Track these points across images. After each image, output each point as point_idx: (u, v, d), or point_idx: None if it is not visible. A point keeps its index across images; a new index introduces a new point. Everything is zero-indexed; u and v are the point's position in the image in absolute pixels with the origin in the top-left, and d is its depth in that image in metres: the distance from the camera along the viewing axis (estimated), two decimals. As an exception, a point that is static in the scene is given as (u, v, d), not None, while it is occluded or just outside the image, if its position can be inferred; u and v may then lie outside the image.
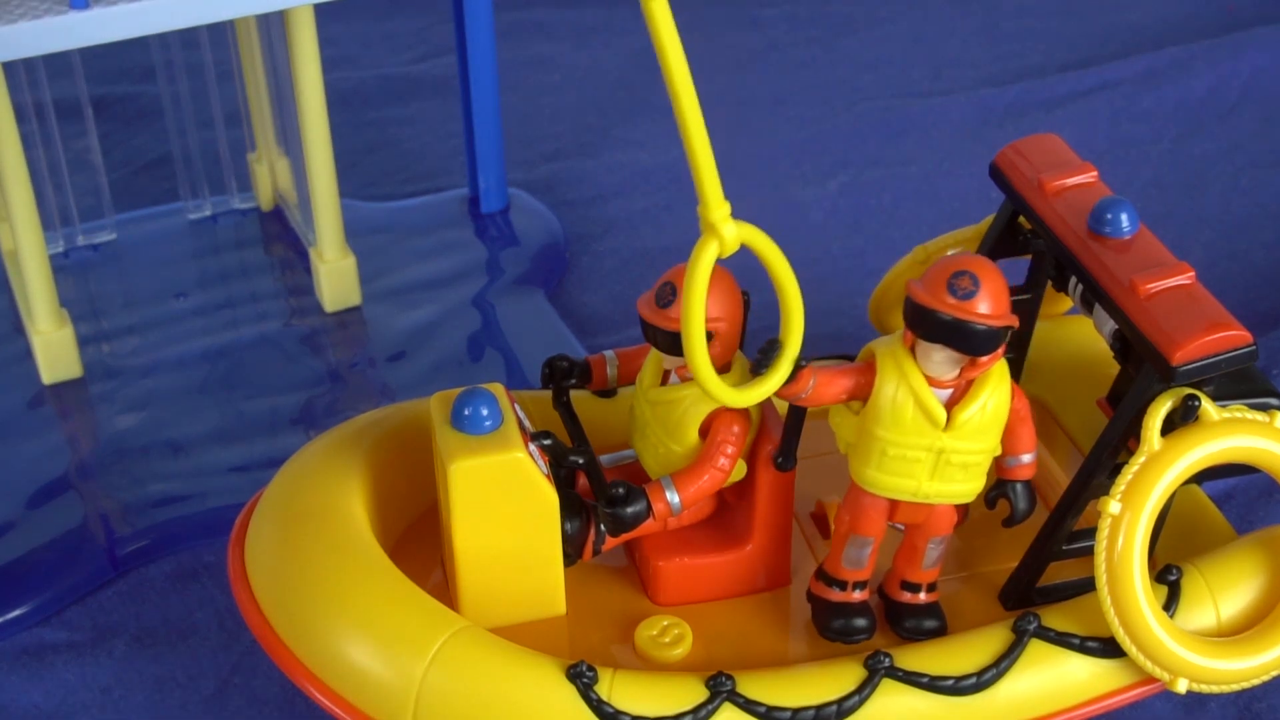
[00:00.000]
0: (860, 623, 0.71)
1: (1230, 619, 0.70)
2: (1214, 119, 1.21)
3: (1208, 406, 0.67)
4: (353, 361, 0.97)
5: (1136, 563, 0.67)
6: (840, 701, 0.67)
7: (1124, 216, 0.72)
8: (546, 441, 0.69)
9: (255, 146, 1.07)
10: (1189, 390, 0.67)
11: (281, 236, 1.07)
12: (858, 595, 0.71)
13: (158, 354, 0.97)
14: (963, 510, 0.71)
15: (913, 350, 0.67)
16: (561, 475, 0.71)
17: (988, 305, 0.65)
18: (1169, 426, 0.68)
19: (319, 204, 0.97)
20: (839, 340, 0.97)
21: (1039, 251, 0.78)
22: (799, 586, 0.74)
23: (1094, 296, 0.71)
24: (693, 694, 0.66)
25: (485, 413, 0.68)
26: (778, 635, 0.72)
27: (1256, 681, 0.69)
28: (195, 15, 0.83)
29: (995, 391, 0.67)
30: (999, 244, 0.78)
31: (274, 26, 0.98)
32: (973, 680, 0.68)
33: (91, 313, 1.00)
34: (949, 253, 0.81)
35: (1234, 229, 1.10)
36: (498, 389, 0.70)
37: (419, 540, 0.75)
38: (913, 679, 0.68)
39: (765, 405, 0.71)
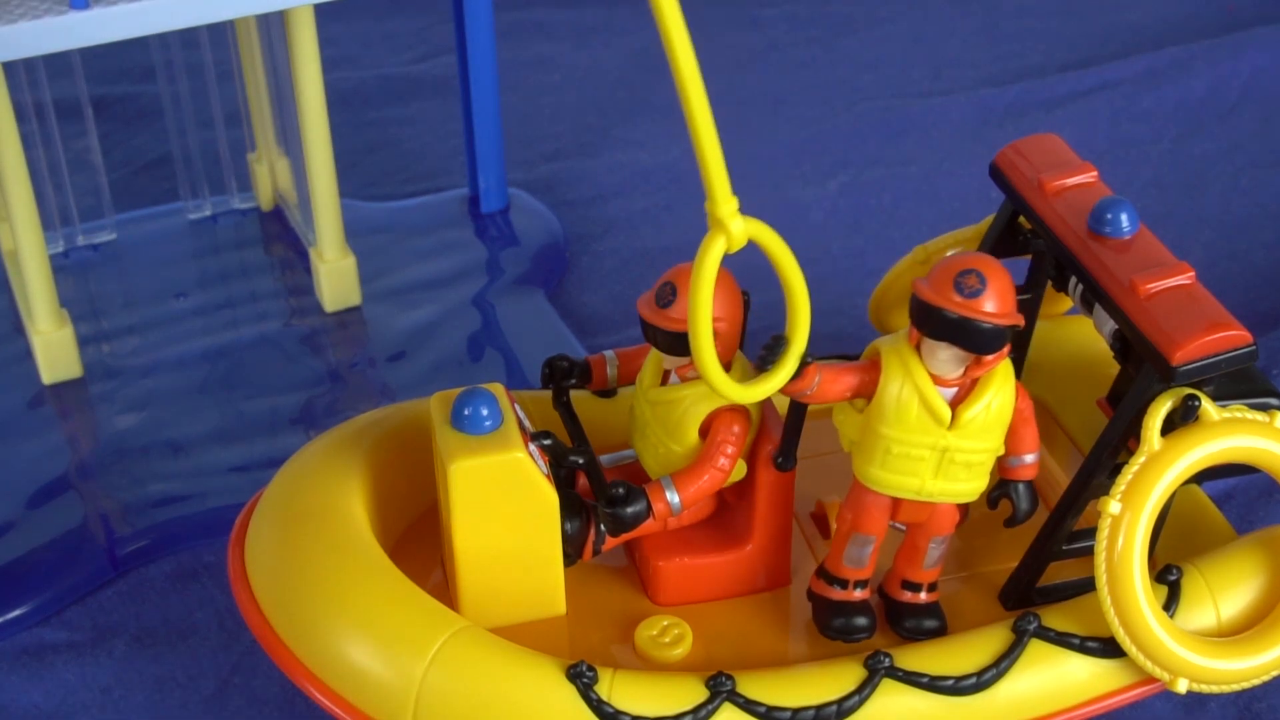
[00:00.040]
0: (861, 621, 0.71)
1: (1230, 619, 0.70)
2: (1214, 119, 1.21)
3: (1208, 406, 0.67)
4: (353, 361, 0.97)
5: (1136, 563, 0.67)
6: (840, 701, 0.67)
7: (1124, 216, 0.72)
8: (546, 441, 0.69)
9: (255, 146, 1.07)
10: (1189, 390, 0.67)
11: (281, 236, 1.07)
12: (858, 594, 0.71)
13: (158, 354, 0.97)
14: (963, 510, 0.71)
15: (918, 348, 0.67)
16: (561, 475, 0.71)
17: (994, 304, 0.65)
18: (1169, 426, 0.68)
19: (319, 204, 0.97)
20: (839, 340, 0.97)
21: (1039, 251, 0.78)
22: (799, 586, 0.74)
23: (1094, 296, 0.71)
24: (693, 694, 0.66)
25: (485, 413, 0.68)
26: (778, 635, 0.72)
27: (1256, 681, 0.69)
28: (195, 15, 0.83)
29: (1000, 391, 0.67)
30: (999, 244, 0.78)
31: (274, 26, 0.98)
32: (973, 680, 0.68)
33: (91, 313, 1.00)
34: (950, 252, 0.81)
35: (1234, 229, 1.10)
36: (498, 389, 0.70)
37: (419, 540, 0.75)
38: (913, 679, 0.68)
39: (765, 405, 0.71)
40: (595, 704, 0.65)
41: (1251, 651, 0.69)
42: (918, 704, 0.67)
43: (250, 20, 1.00)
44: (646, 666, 0.70)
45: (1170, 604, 0.70)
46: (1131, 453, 0.68)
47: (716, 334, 0.68)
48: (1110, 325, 0.71)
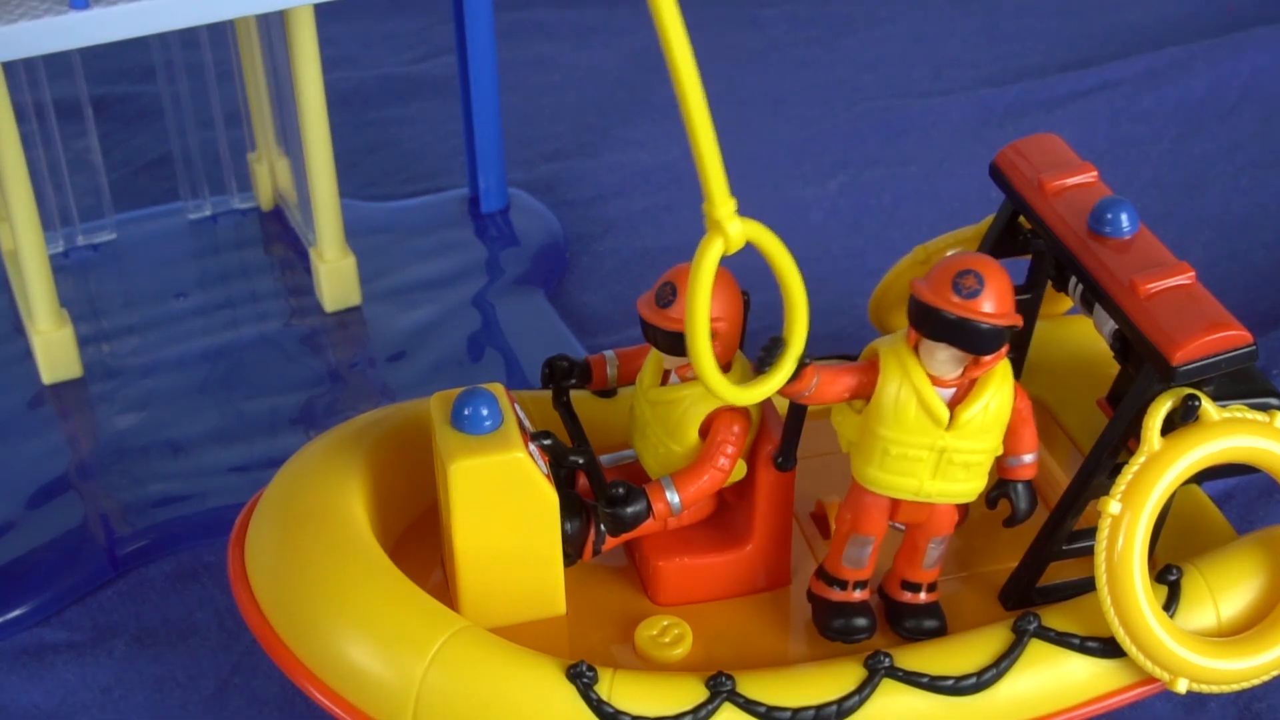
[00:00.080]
0: (860, 622, 0.71)
1: (1230, 619, 0.70)
2: (1214, 119, 1.21)
3: (1208, 406, 0.67)
4: (353, 361, 0.97)
5: (1136, 563, 0.67)
6: (840, 701, 0.67)
7: (1124, 216, 0.72)
8: (546, 441, 0.69)
9: (255, 146, 1.07)
10: (1189, 390, 0.67)
11: (281, 236, 1.07)
12: (858, 595, 0.71)
13: (158, 354, 0.97)
14: (963, 510, 0.71)
15: (916, 349, 0.67)
16: (561, 475, 0.71)
17: (992, 304, 0.65)
18: (1169, 426, 0.68)
19: (319, 204, 0.97)
20: (839, 340, 0.97)
21: (1039, 251, 0.78)
22: (799, 586, 0.74)
23: (1094, 296, 0.71)
24: (693, 694, 0.66)
25: (485, 413, 0.68)
26: (778, 635, 0.72)
27: (1256, 681, 0.69)
28: (195, 15, 0.83)
29: (998, 391, 0.67)
30: (999, 244, 0.78)
31: (274, 26, 0.98)
32: (973, 680, 0.68)
33: (91, 313, 1.00)
34: (950, 252, 0.81)
35: (1234, 229, 1.10)
36: (498, 389, 0.70)
37: (419, 540, 0.75)
38: (913, 679, 0.68)
39: (765, 405, 0.71)
40: (595, 704, 0.65)
41: (1251, 651, 0.69)
42: (918, 704, 0.67)
43: (250, 20, 1.00)
44: (646, 666, 0.70)
45: (1170, 604, 0.70)
46: (1131, 453, 0.68)
47: (716, 334, 0.68)
48: (1110, 325, 0.71)
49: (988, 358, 0.66)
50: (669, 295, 0.68)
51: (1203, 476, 0.70)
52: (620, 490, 0.69)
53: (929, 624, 0.71)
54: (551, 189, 1.14)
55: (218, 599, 0.83)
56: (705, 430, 0.70)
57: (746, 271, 0.68)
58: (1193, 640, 0.68)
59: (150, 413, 0.92)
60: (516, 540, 0.69)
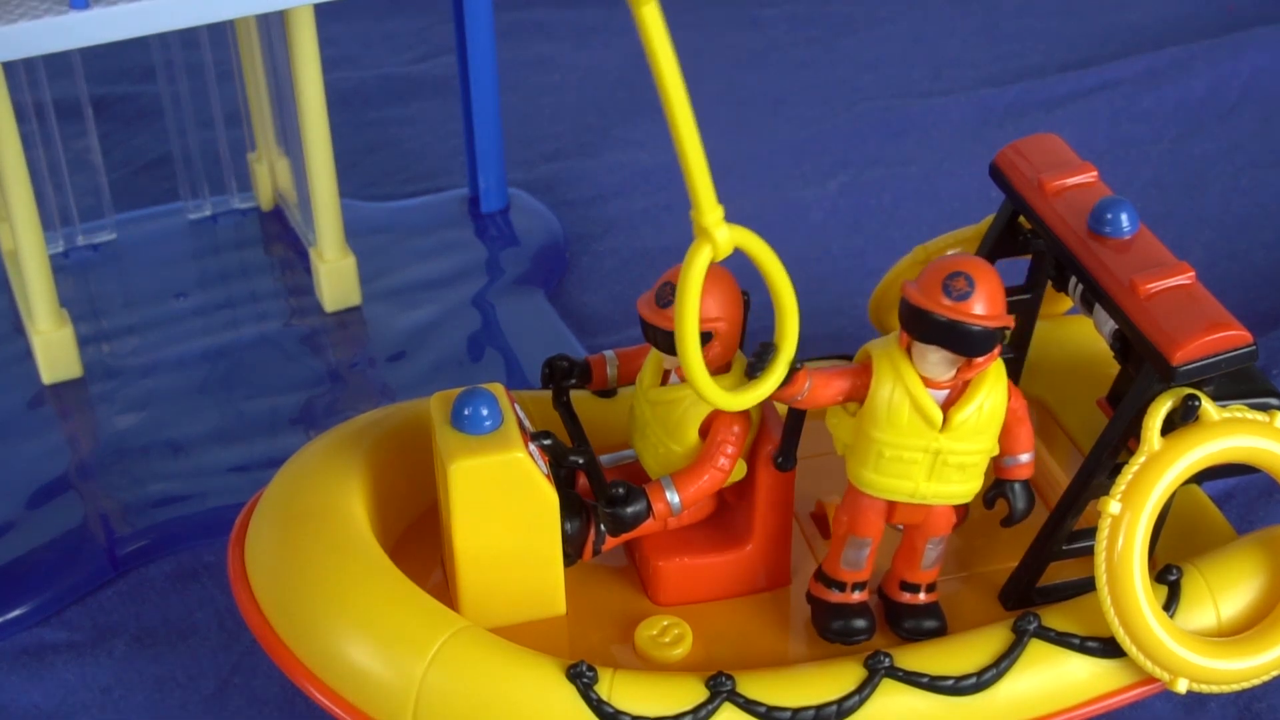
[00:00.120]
0: (860, 624, 0.71)
1: (1230, 619, 0.70)
2: (1214, 119, 1.21)
3: (1208, 406, 0.67)
4: (353, 361, 0.97)
5: (1136, 563, 0.67)
6: (840, 701, 0.67)
7: (1124, 216, 0.72)
8: (546, 441, 0.69)
9: (255, 146, 1.07)
10: (1189, 390, 0.67)
11: (281, 236, 1.07)
12: (857, 596, 0.71)
13: (158, 354, 0.97)
14: (962, 510, 0.71)
15: (909, 351, 0.67)
16: (561, 475, 0.71)
17: (983, 306, 0.65)
18: (1169, 426, 0.68)
19: (319, 204, 0.97)
20: (839, 340, 0.97)
21: (1039, 251, 0.78)
22: (799, 586, 0.74)
23: (1094, 296, 0.71)
24: (693, 694, 0.66)
25: (485, 413, 0.68)
26: (778, 635, 0.72)
27: (1256, 681, 0.69)
28: (195, 15, 0.83)
29: (992, 392, 0.67)
30: (999, 244, 0.78)
31: (274, 26, 0.98)
32: (973, 680, 0.68)
33: (91, 313, 1.00)
34: (950, 252, 0.81)
35: (1234, 229, 1.10)
36: (498, 389, 0.70)
37: (419, 540, 0.75)
38: (913, 679, 0.68)
39: (765, 405, 0.71)
40: (595, 704, 0.65)
41: (1251, 651, 0.69)
42: (918, 704, 0.67)
43: (250, 20, 1.00)
44: (646, 666, 0.70)
45: (1170, 604, 0.70)
46: (1131, 453, 0.68)
47: (716, 334, 0.68)
48: (1110, 325, 0.71)
49: (980, 359, 0.66)
50: (669, 295, 0.68)
51: (1203, 476, 0.70)
52: (620, 490, 0.69)
53: (928, 624, 0.71)
54: (551, 189, 1.14)
55: (218, 599, 0.83)
56: (705, 430, 0.70)
57: (747, 271, 0.68)
58: (1193, 640, 0.68)
59: (150, 413, 0.92)
60: (516, 540, 0.69)
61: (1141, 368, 0.68)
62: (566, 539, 0.70)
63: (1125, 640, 0.68)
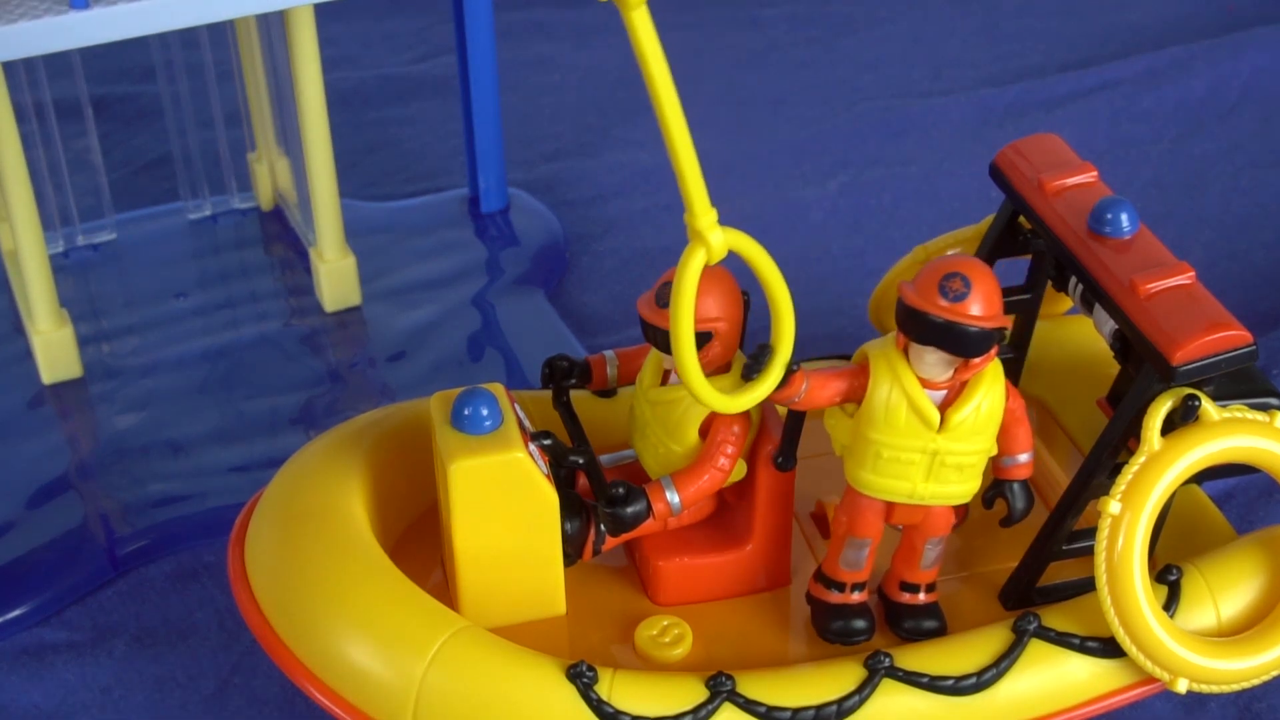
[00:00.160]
0: (859, 624, 0.71)
1: (1230, 619, 0.70)
2: (1214, 119, 1.21)
3: (1208, 406, 0.67)
4: (353, 361, 0.97)
5: (1136, 563, 0.67)
6: (840, 701, 0.67)
7: (1124, 216, 0.72)
8: (546, 441, 0.69)
9: (255, 146, 1.07)
10: (1189, 390, 0.67)
11: (281, 236, 1.07)
12: (856, 597, 0.71)
13: (158, 354, 0.97)
14: (962, 510, 0.71)
15: (905, 352, 0.67)
16: (561, 475, 0.71)
17: (979, 307, 0.65)
18: (1169, 426, 0.68)
19: (319, 204, 0.97)
20: (839, 340, 0.97)
21: (1039, 251, 0.78)
22: (799, 586, 0.74)
23: (1094, 296, 0.71)
24: (693, 694, 0.66)
25: (485, 413, 0.68)
26: (778, 635, 0.72)
27: (1256, 681, 0.69)
28: (195, 15, 0.83)
29: (989, 392, 0.67)
30: (999, 244, 0.78)
31: (274, 26, 0.98)
32: (973, 680, 0.68)
33: (91, 313, 1.00)
34: (950, 252, 0.81)
35: (1234, 229, 1.10)
36: (498, 389, 0.70)
37: (419, 540, 0.75)
38: (913, 679, 0.68)
39: (765, 405, 0.71)
40: (595, 704, 0.65)
41: (1251, 651, 0.69)
42: (918, 704, 0.67)
43: (250, 20, 1.00)
44: (646, 666, 0.70)
45: (1170, 604, 0.70)
46: (1131, 453, 0.68)
47: (716, 334, 0.68)
48: (1110, 325, 0.71)
49: (977, 360, 0.66)
50: (668, 295, 0.68)
51: (1203, 476, 0.70)
52: (620, 490, 0.69)
53: (928, 624, 0.71)
54: (551, 189, 1.14)
55: (218, 599, 0.83)
56: (705, 430, 0.70)
57: (748, 271, 0.68)
58: (1193, 640, 0.68)
59: (150, 413, 0.92)
60: (516, 540, 0.69)
61: (1141, 368, 0.68)
62: (566, 539, 0.70)
63: (1125, 640, 0.68)
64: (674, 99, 0.57)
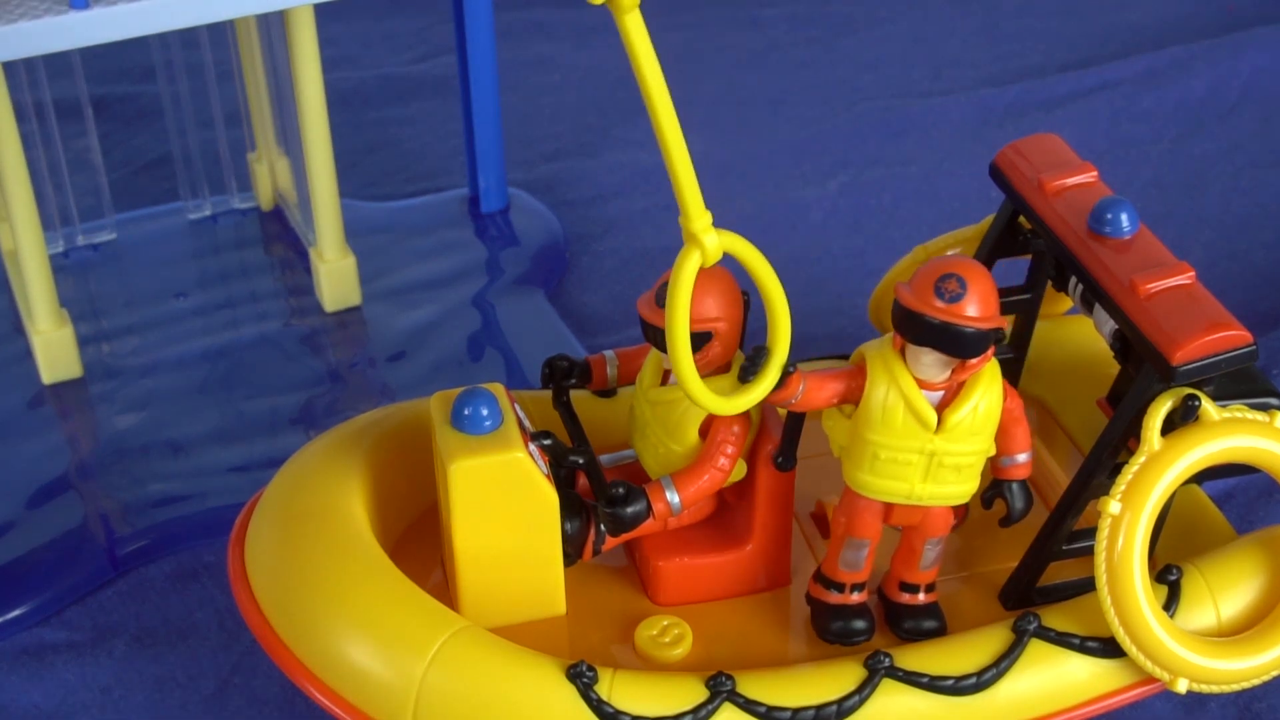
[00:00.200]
0: (859, 625, 0.71)
1: (1230, 619, 0.70)
2: (1214, 119, 1.21)
3: (1208, 406, 0.67)
4: (353, 361, 0.97)
5: (1136, 563, 0.67)
6: (840, 701, 0.67)
7: (1124, 216, 0.72)
8: (546, 441, 0.69)
9: (255, 146, 1.07)
10: (1189, 390, 0.67)
11: (281, 236, 1.07)
12: (856, 597, 0.71)
13: (158, 354, 0.97)
14: (962, 511, 0.71)
15: (902, 353, 0.67)
16: (561, 475, 0.71)
17: (976, 308, 0.65)
18: (1169, 426, 0.68)
19: (319, 204, 0.97)
20: (839, 340, 0.97)
21: (1039, 251, 0.78)
22: (799, 586, 0.74)
23: (1094, 296, 0.71)
24: (693, 694, 0.66)
25: (485, 413, 0.68)
26: (778, 635, 0.72)
27: (1256, 681, 0.69)
28: (195, 15, 0.83)
29: (987, 393, 0.67)
30: (999, 244, 0.78)
31: (274, 26, 0.98)
32: (973, 680, 0.68)
33: (91, 313, 1.00)
34: (950, 252, 0.81)
35: (1234, 229, 1.10)
36: (498, 389, 0.70)
37: (419, 540, 0.75)
38: (913, 679, 0.68)
39: (765, 405, 0.71)
40: (595, 704, 0.65)
41: (1251, 651, 0.69)
42: (918, 704, 0.67)
43: (250, 20, 1.00)
44: (646, 666, 0.70)
45: (1170, 604, 0.70)
46: (1131, 453, 0.68)
47: (716, 334, 0.68)
48: (1110, 325, 0.71)
49: (974, 361, 0.66)
50: (668, 295, 0.68)
51: (1203, 476, 0.70)
52: (620, 490, 0.69)
53: (928, 625, 0.71)
54: (551, 189, 1.14)
55: (218, 599, 0.83)
56: (705, 430, 0.70)
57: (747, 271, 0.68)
58: (1193, 640, 0.68)
59: (150, 413, 0.92)
60: (516, 540, 0.69)
61: (1141, 368, 0.68)
62: (566, 539, 0.70)
63: (1125, 640, 0.68)
64: (668, 103, 0.57)
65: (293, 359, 0.97)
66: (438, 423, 0.69)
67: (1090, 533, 0.69)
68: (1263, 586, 0.71)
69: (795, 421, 0.70)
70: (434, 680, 0.65)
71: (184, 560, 0.85)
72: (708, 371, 0.68)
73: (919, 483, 0.68)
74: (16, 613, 0.81)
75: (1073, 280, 0.74)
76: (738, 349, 0.70)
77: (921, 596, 0.71)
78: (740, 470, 0.71)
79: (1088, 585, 0.69)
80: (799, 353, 0.66)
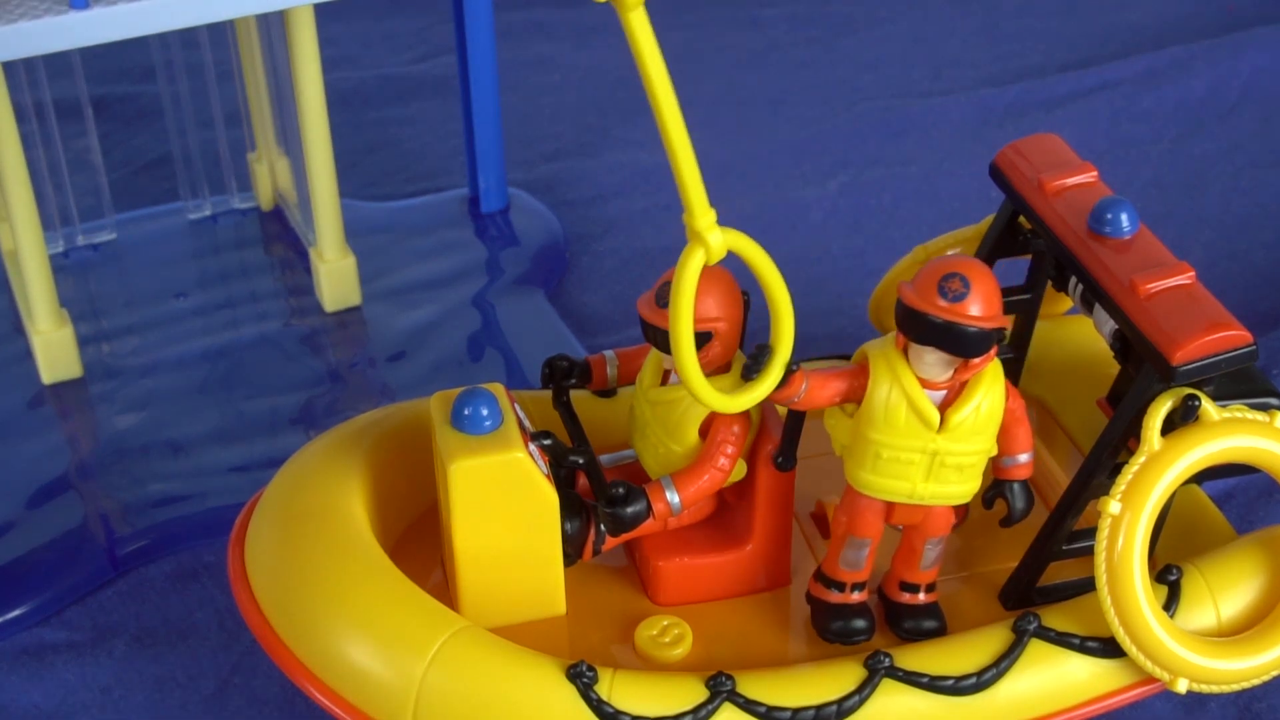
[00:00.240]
0: (859, 624, 0.71)
1: (1230, 619, 0.70)
2: (1214, 119, 1.21)
3: (1208, 406, 0.67)
4: (353, 361, 0.97)
5: (1136, 563, 0.67)
6: (840, 701, 0.67)
7: (1124, 216, 0.72)
8: (546, 441, 0.69)
9: (255, 146, 1.07)
10: (1189, 390, 0.67)
11: (281, 236, 1.07)
12: (856, 597, 0.71)
13: (158, 354, 0.97)
14: (962, 510, 0.71)
15: (905, 352, 0.67)
16: (561, 475, 0.71)
17: (979, 307, 0.65)
18: (1169, 426, 0.68)
19: (319, 204, 0.97)
20: (839, 340, 0.97)
21: (1039, 251, 0.78)
22: (799, 586, 0.74)
23: (1094, 296, 0.71)
24: (693, 694, 0.66)
25: (485, 413, 0.68)
26: (778, 635, 0.72)
27: (1256, 681, 0.69)
28: (195, 15, 0.83)
29: (989, 392, 0.67)
30: (999, 244, 0.78)
31: (274, 26, 0.98)
32: (973, 680, 0.68)
33: (91, 313, 1.00)
34: (950, 252, 0.81)
35: (1234, 229, 1.10)
36: (498, 389, 0.70)
37: (419, 540, 0.75)
38: (913, 679, 0.68)
39: (765, 405, 0.71)
40: (595, 704, 0.65)
41: (1251, 651, 0.69)
42: (918, 704, 0.67)
43: (250, 20, 1.00)
44: (646, 666, 0.70)
45: (1170, 604, 0.70)
46: (1131, 453, 0.68)
47: (716, 334, 0.68)
48: (1110, 325, 0.71)
49: (977, 360, 0.66)
50: (669, 295, 0.68)
51: (1203, 476, 0.70)
52: (620, 490, 0.69)
53: (928, 624, 0.71)
54: (551, 189, 1.14)
55: (218, 599, 0.83)
56: (705, 430, 0.70)
57: (748, 271, 0.68)
58: (1193, 640, 0.68)
59: (150, 413, 0.92)
60: (516, 540, 0.69)
61: (1141, 368, 0.68)
62: (566, 539, 0.70)
63: (1125, 640, 0.68)
64: (672, 100, 0.57)
65: (293, 359, 0.97)
66: (438, 423, 0.69)
67: (1090, 533, 0.69)
68: (1263, 586, 0.71)
69: (795, 421, 0.70)
70: (434, 680, 0.65)
71: (184, 560, 0.85)
72: (708, 371, 0.68)
73: (921, 482, 0.68)
74: (16, 613, 0.81)
75: (1073, 280, 0.74)
76: (738, 349, 0.70)
77: (922, 596, 0.71)
78: (740, 470, 0.71)
79: (1088, 585, 0.69)
80: (799, 353, 0.66)
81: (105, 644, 0.81)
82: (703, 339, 0.67)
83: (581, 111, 1.24)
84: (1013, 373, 0.81)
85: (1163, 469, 0.67)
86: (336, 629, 0.66)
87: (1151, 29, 1.34)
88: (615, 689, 0.66)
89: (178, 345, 0.97)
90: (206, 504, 0.86)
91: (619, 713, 0.65)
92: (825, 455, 0.74)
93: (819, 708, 0.66)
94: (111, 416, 0.92)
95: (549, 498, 0.68)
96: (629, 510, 0.69)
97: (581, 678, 0.65)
